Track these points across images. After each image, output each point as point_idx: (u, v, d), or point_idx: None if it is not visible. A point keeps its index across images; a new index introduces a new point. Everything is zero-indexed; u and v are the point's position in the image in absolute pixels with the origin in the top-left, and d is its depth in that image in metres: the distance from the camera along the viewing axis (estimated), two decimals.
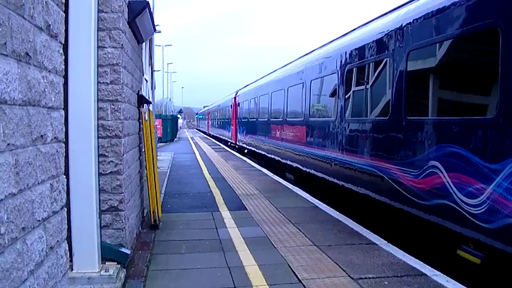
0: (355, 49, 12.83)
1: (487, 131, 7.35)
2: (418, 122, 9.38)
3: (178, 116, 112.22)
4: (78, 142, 6.52)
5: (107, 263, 7.03)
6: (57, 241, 3.74)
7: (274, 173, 21.76)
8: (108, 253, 7.14)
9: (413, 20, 9.69)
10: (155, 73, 28.09)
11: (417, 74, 9.88)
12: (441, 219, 8.53)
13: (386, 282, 7.28)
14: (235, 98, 41.50)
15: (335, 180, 14.06)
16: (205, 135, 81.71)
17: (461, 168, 7.91)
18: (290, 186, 17.41)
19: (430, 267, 7.99)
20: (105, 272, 6.77)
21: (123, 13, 7.73)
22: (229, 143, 46.35)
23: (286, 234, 10.14)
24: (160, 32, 34.91)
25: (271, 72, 27.12)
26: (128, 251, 7.64)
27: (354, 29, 14.34)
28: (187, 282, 7.30)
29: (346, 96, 13.40)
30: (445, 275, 7.61)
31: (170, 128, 59.43)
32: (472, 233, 7.68)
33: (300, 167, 18.27)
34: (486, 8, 7.49)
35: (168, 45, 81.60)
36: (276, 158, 23.07)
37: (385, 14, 11.97)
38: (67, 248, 4.03)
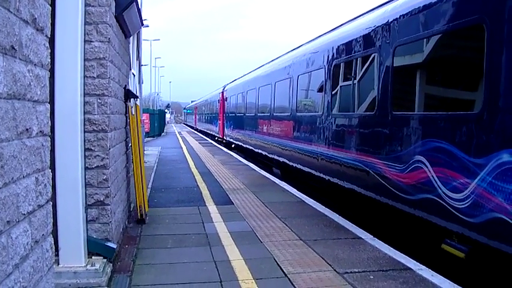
0: (342, 44, 12.88)
1: (472, 126, 7.42)
2: (404, 117, 9.47)
3: (166, 110, 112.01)
4: (65, 136, 6.51)
5: (93, 257, 7.03)
6: (43, 235, 3.74)
7: (261, 168, 21.86)
8: (94, 247, 7.14)
9: (400, 15, 9.72)
10: (143, 67, 28.03)
11: (403, 69, 9.94)
12: (426, 213, 8.61)
13: (371, 277, 7.32)
14: (222, 92, 41.59)
15: (321, 175, 14.15)
16: (193, 130, 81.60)
17: (446, 163, 7.98)
18: (277, 181, 17.46)
19: (415, 262, 8.05)
20: (92, 266, 6.77)
21: (110, 7, 7.70)
22: (216, 138, 46.46)
23: (273, 228, 10.17)
24: (148, 26, 34.77)
25: (259, 67, 27.21)
26: (114, 246, 7.63)
27: (342, 24, 14.41)
28: (173, 276, 7.30)
29: (333, 92, 13.45)
30: (430, 270, 7.67)
31: (158, 123, 59.33)
32: (456, 227, 7.76)
33: (287, 161, 18.32)
34: (472, 5, 7.57)
35: (156, 39, 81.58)
36: (263, 152, 23.19)
37: (373, 9, 12.05)
38: (52, 242, 4.02)
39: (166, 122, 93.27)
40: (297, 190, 15.19)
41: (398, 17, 9.83)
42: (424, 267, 7.79)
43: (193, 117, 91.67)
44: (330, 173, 13.42)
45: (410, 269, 7.70)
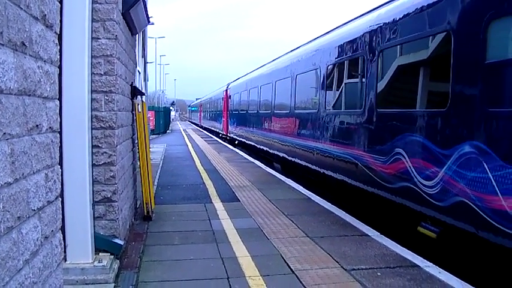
0: (335, 47, 13.92)
1: (441, 121, 8.52)
2: (387, 114, 10.57)
3: (171, 108, 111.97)
4: (72, 133, 6.53)
5: (100, 253, 7.05)
6: (52, 231, 3.75)
7: (263, 164, 22.13)
8: (101, 244, 7.16)
9: (384, 23, 10.73)
10: (148, 65, 27.99)
11: (386, 70, 10.81)
12: (405, 200, 9.64)
13: (379, 273, 7.33)
14: (226, 90, 42.31)
15: (317, 168, 15.10)
16: (198, 127, 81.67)
17: (420, 154, 9.05)
18: (283, 178, 17.46)
19: (422, 259, 8.05)
20: (99, 262, 6.79)
21: (117, 4, 7.72)
22: (220, 135, 47.08)
23: (279, 225, 10.18)
24: (153, 24, 34.73)
25: (261, 67, 28.12)
26: (121, 242, 7.65)
27: (334, 28, 15.44)
28: (180, 273, 7.32)
29: (327, 91, 14.50)
30: (437, 267, 7.67)
31: (163, 120, 59.34)
32: (429, 211, 8.80)
33: (286, 156, 19.28)
34: (441, 15, 8.56)
35: (161, 37, 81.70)
36: (265, 148, 24.04)
37: (361, 15, 13.15)
38: (61, 238, 4.03)
39: (171, 120, 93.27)
40: (304, 187, 15.18)
41: (382, 24, 10.83)
42: (431, 264, 7.80)
43: (198, 114, 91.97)
44: (324, 166, 14.44)
45: (417, 266, 7.70)
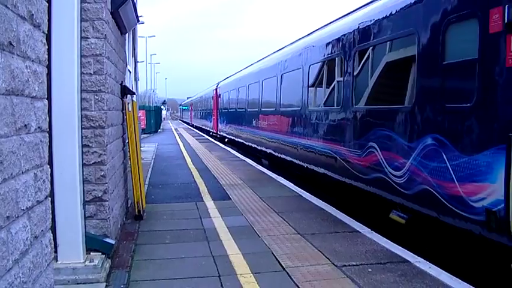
0: (316, 48, 14.74)
1: (407, 117, 9.28)
2: (361, 110, 11.34)
3: (162, 107, 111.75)
4: (62, 133, 6.53)
5: (91, 253, 7.05)
6: (42, 230, 3.75)
7: (253, 161, 22.42)
8: (92, 243, 7.16)
9: (359, 26, 11.58)
10: (139, 65, 27.94)
11: (361, 69, 11.57)
12: (378, 189, 10.43)
13: (369, 270, 7.37)
14: (216, 89, 43.14)
15: (301, 163, 15.95)
16: (189, 126, 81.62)
17: (390, 147, 9.84)
18: (274, 175, 17.50)
19: (412, 254, 8.10)
20: (90, 262, 6.80)
21: (106, 3, 7.71)
22: (211, 133, 47.81)
23: (270, 223, 10.21)
24: (143, 23, 34.66)
25: (249, 66, 29.10)
26: (112, 241, 7.65)
27: (316, 30, 16.36)
28: (172, 271, 7.33)
29: (310, 89, 15.35)
30: (427, 262, 7.72)
31: (154, 119, 59.21)
32: (398, 199, 9.56)
33: (273, 152, 20.17)
34: (407, 19, 9.39)
35: (152, 36, 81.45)
36: (253, 145, 24.98)
37: (340, 18, 14.09)
38: (51, 238, 4.03)
39: (162, 119, 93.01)
40: (294, 185, 15.22)
41: (357, 26, 11.66)
42: (421, 259, 7.84)
43: (189, 113, 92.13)
44: (307, 161, 15.28)
45: (408, 261, 7.75)
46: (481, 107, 7.32)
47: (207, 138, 42.77)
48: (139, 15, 12.85)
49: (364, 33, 11.21)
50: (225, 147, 31.87)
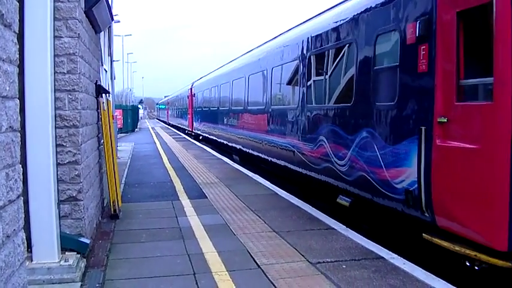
0: (277, 52, 16.22)
1: (348, 113, 10.71)
2: (313, 108, 12.82)
3: (139, 106, 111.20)
4: (36, 132, 6.51)
5: (66, 253, 7.02)
6: (14, 230, 3.75)
7: (229, 159, 22.69)
8: (67, 243, 7.13)
9: (312, 34, 13.07)
10: (115, 63, 27.84)
11: (314, 72, 13.03)
12: (327, 177, 11.79)
13: (344, 266, 7.45)
14: (191, 89, 44.41)
15: (266, 157, 17.45)
16: (166, 125, 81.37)
17: (335, 140, 11.22)
18: (250, 174, 17.56)
19: (387, 251, 8.20)
20: (65, 262, 6.77)
21: (79, 2, 7.68)
22: (186, 131, 48.80)
23: (246, 221, 10.27)
24: (119, 21, 34.49)
25: (221, 67, 30.94)
26: (87, 241, 7.63)
27: (277, 36, 18.18)
28: (147, 270, 7.34)
29: (273, 89, 16.91)
30: (402, 258, 7.82)
31: (131, 119, 58.96)
32: (342, 185, 10.98)
33: (242, 148, 21.78)
34: (348, 30, 10.82)
35: (128, 35, 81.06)
36: (225, 142, 26.51)
37: (298, 25, 15.65)
38: (24, 238, 4.03)
39: (139, 118, 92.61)
40: (270, 183, 15.30)
41: (312, 31, 13.12)
42: (396, 255, 7.94)
43: (166, 112, 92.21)
44: (271, 155, 16.75)
45: (382, 257, 7.85)
46: (400, 105, 8.66)
47: (184, 137, 42.76)
48: (114, 13, 12.82)
49: (316, 41, 12.69)
50: (202, 145, 31.89)
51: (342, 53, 11.35)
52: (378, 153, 9.29)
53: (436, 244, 7.63)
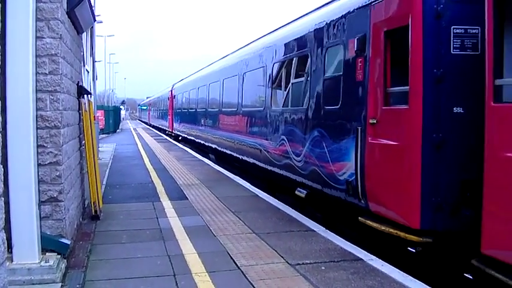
0: (248, 59, 17.68)
1: (303, 115, 11.86)
2: (276, 110, 14.11)
3: (121, 107, 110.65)
4: (17, 133, 6.51)
5: (47, 253, 7.01)
6: None
7: (204, 157, 23.36)
8: (48, 244, 7.13)
9: (275, 43, 14.72)
10: (97, 64, 27.77)
11: (276, 78, 14.44)
12: (287, 172, 12.90)
13: (323, 267, 7.52)
14: (171, 90, 45.48)
15: (237, 155, 18.62)
16: (148, 126, 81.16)
17: (293, 138, 12.45)
18: (231, 175, 17.63)
19: (366, 252, 8.30)
20: (46, 262, 6.77)
21: (61, 3, 7.68)
22: (167, 132, 49.64)
23: (226, 222, 10.32)
24: (101, 22, 34.41)
25: (199, 71, 32.33)
26: (68, 242, 7.63)
27: (246, 45, 19.92)
28: (127, 271, 7.37)
29: (243, 92, 18.25)
30: (380, 260, 7.92)
31: (113, 119, 58.62)
32: (299, 178, 12.07)
33: (217, 147, 22.85)
34: (305, 43, 12.05)
35: (111, 35, 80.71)
36: (202, 142, 27.66)
37: (263, 36, 17.42)
38: (4, 238, 4.04)
39: (121, 119, 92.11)
40: (251, 184, 15.37)
41: (276, 41, 14.71)
42: (374, 257, 8.04)
43: (147, 113, 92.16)
44: (242, 153, 17.90)
45: (361, 259, 7.93)
46: (343, 109, 9.95)
47: (165, 138, 42.77)
48: (97, 14, 12.82)
49: (279, 50, 14.15)
50: (183, 147, 31.97)
51: (299, 63, 12.74)
52: (326, 150, 10.54)
53: (369, 226, 8.89)
